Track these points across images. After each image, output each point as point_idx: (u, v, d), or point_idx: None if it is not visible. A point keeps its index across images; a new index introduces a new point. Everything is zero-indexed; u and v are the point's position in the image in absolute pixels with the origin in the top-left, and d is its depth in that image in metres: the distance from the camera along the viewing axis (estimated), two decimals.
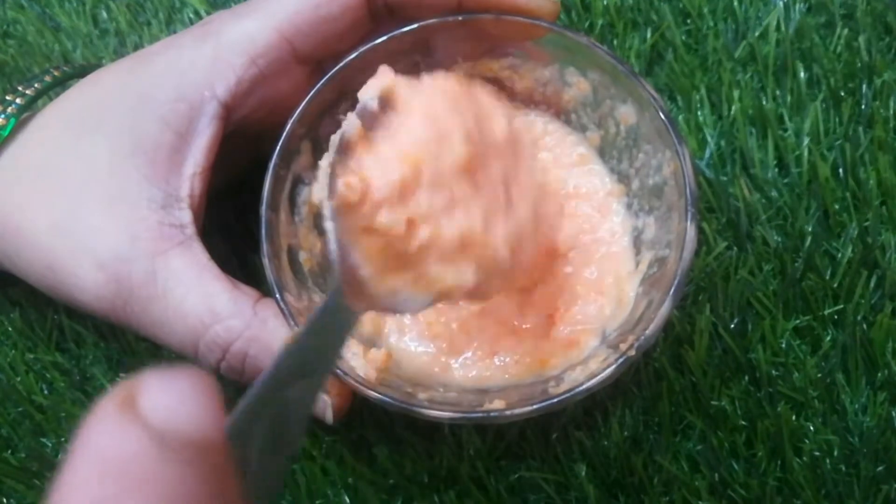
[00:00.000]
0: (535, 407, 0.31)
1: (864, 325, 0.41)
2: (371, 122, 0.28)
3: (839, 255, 0.41)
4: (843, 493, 0.39)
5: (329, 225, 0.27)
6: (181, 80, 0.35)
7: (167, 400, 0.18)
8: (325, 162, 0.34)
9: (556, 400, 0.31)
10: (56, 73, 0.40)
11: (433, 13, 0.36)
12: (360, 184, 0.27)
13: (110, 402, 0.18)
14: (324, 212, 0.28)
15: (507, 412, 0.32)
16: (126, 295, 0.35)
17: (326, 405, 0.35)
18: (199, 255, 0.35)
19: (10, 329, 0.44)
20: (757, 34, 0.46)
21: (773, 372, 0.40)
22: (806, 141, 0.43)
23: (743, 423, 0.40)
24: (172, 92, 0.35)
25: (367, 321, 0.38)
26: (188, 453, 0.18)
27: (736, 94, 0.44)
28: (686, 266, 0.32)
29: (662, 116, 0.34)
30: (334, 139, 0.29)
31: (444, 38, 0.37)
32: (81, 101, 0.37)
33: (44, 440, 0.42)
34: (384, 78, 0.29)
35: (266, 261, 0.34)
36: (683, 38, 0.46)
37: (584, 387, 0.31)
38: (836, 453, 0.39)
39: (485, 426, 0.40)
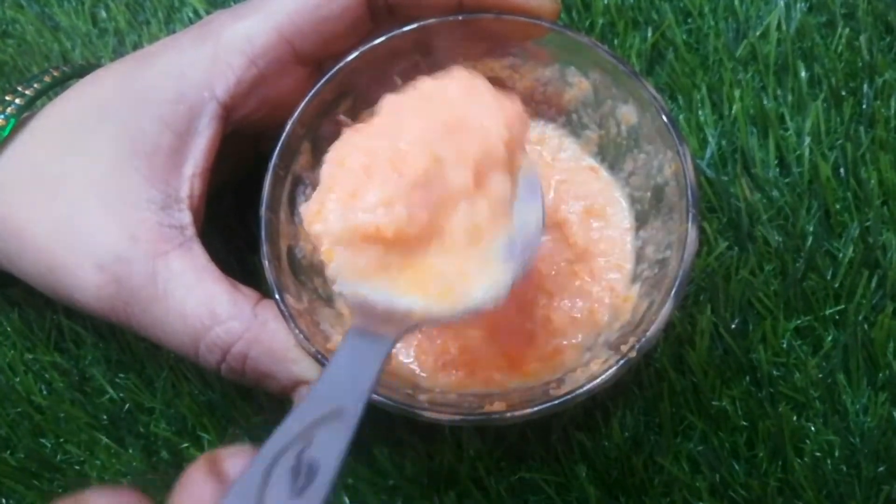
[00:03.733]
0: (535, 409, 0.31)
1: (866, 326, 0.41)
2: None
3: (840, 255, 0.41)
4: (845, 493, 0.39)
5: (332, 267, 0.29)
6: (180, 81, 0.35)
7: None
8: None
9: (557, 402, 0.31)
10: (55, 74, 0.40)
11: (433, 13, 0.36)
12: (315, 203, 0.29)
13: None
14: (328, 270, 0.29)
15: (508, 414, 0.32)
16: (126, 296, 0.34)
17: None
18: (198, 257, 0.35)
19: (8, 329, 0.44)
20: (758, 33, 0.46)
21: (774, 372, 0.40)
22: (807, 140, 0.43)
23: (744, 423, 0.40)
24: (172, 93, 0.35)
25: None
26: None
27: (737, 93, 0.44)
28: (687, 267, 0.32)
29: (663, 116, 0.34)
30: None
31: (444, 37, 0.37)
32: (81, 102, 0.37)
33: (43, 440, 0.42)
34: None
35: (266, 262, 0.34)
36: (684, 37, 0.46)
37: (585, 388, 0.31)
38: (837, 454, 0.39)
39: (485, 427, 0.40)
